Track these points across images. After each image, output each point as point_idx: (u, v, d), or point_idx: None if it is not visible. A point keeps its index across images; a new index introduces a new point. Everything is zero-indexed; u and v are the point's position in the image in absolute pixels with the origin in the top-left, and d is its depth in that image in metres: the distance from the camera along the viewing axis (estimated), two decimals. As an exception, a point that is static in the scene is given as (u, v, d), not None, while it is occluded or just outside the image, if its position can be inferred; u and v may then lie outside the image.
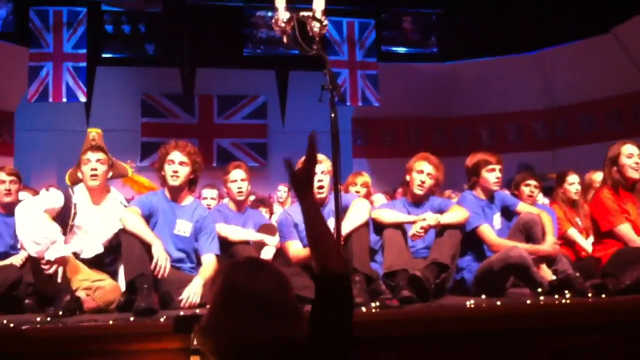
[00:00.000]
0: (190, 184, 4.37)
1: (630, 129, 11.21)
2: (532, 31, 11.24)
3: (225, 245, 4.48)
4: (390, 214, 4.37)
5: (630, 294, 3.90)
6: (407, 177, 4.67)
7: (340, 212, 3.70)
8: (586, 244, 5.46)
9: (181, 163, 4.23)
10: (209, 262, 4.18)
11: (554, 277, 4.30)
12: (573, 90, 11.97)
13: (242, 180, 4.95)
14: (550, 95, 12.45)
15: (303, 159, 2.14)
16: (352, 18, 11.44)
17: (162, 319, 3.28)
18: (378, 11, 11.41)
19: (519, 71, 12.10)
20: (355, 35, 11.44)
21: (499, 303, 3.61)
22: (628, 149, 4.47)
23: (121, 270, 4.12)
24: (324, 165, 4.22)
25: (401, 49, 11.70)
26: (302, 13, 3.59)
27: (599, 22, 10.87)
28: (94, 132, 4.36)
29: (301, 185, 2.10)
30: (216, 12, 11.16)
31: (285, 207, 7.00)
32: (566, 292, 3.97)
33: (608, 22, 10.99)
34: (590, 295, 3.90)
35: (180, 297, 3.94)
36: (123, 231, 3.98)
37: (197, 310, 3.67)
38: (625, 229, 4.36)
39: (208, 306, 1.92)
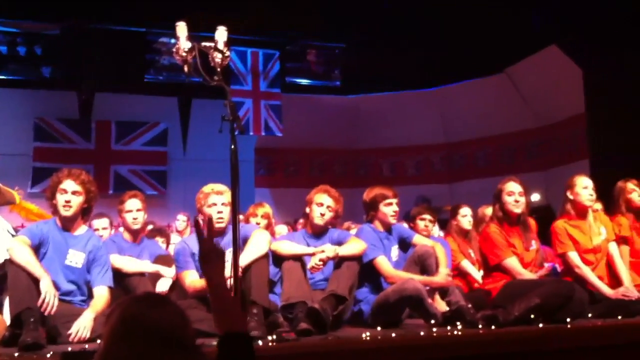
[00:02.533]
0: (84, 213, 4.22)
1: (522, 165, 11.79)
2: (431, 68, 11.63)
3: (119, 277, 4.33)
4: (289, 246, 4.38)
5: (518, 325, 4.07)
6: (307, 209, 4.71)
7: (240, 243, 3.68)
8: (478, 275, 5.64)
9: (74, 192, 4.08)
10: (101, 295, 4.03)
11: (447, 308, 4.42)
12: (469, 126, 12.44)
13: (137, 210, 4.83)
14: (448, 131, 12.88)
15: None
16: (256, 48, 11.48)
17: (48, 355, 3.13)
18: (282, 43, 11.52)
19: (418, 106, 12.46)
20: (260, 66, 11.48)
21: (394, 335, 3.67)
22: (509, 186, 4.70)
23: (6, 303, 3.92)
24: (224, 197, 4.19)
25: (305, 81, 11.82)
26: (203, 43, 3.57)
27: (493, 62, 11.39)
28: (-29, 158, 4.15)
29: (205, 262, 2.17)
30: (118, 37, 10.90)
31: (184, 236, 6.87)
32: (458, 323, 4.08)
33: (502, 63, 11.54)
34: (481, 326, 4.03)
35: (69, 332, 3.77)
36: (10, 262, 3.78)
37: (87, 346, 3.52)
38: (512, 262, 4.55)
39: (100, 341, 1.85)
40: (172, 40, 3.97)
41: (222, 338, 1.99)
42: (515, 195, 4.66)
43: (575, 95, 9.95)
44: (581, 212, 4.85)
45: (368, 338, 3.55)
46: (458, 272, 5.72)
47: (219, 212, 4.17)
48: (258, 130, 11.51)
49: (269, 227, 5.71)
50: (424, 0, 9.75)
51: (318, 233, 4.65)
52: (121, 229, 5.09)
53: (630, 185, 5.29)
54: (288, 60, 11.62)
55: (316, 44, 11.56)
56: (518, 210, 4.66)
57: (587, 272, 4.68)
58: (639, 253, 5.16)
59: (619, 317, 4.39)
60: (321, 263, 4.22)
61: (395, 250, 4.74)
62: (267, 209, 5.68)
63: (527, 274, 4.58)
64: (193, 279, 4.11)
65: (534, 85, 11.45)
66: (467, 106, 12.26)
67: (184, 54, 3.50)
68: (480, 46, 10.71)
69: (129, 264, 4.49)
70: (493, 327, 4.00)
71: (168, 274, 4.65)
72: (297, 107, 11.99)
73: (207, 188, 4.27)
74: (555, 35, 10.13)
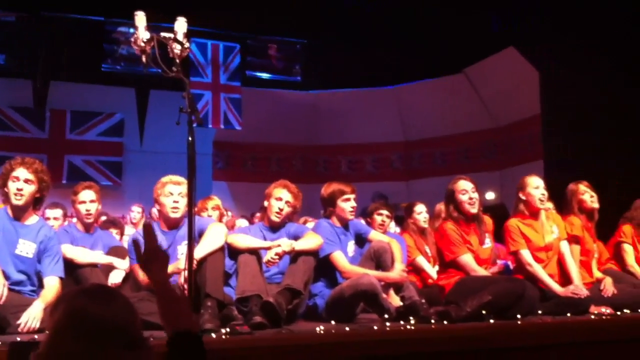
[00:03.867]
0: (36, 202, 4.13)
1: (478, 164, 11.96)
2: (391, 67, 11.72)
3: (71, 267, 4.26)
4: (245, 239, 4.36)
5: (470, 321, 4.12)
6: (266, 203, 4.70)
7: (196, 236, 3.66)
8: (433, 271, 5.71)
9: (26, 181, 3.99)
10: (51, 286, 3.96)
11: (401, 304, 4.46)
12: (427, 125, 12.57)
13: (91, 201, 4.75)
14: (406, 129, 12.99)
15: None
16: (217, 41, 11.41)
17: (-5, 345, 3.05)
18: (244, 36, 11.46)
19: (377, 104, 12.53)
20: (220, 58, 11.40)
21: (347, 329, 3.69)
22: (461, 185, 4.74)
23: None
24: (182, 187, 4.17)
25: (265, 75, 11.81)
26: (163, 34, 3.53)
27: (452, 62, 11.52)
28: None
29: (147, 268, 2.16)
30: (75, 25, 10.71)
31: (138, 228, 6.79)
32: (411, 318, 4.12)
33: (461, 63, 11.67)
34: (433, 321, 4.07)
35: (18, 322, 3.69)
36: (-42, 252, 3.69)
37: (36, 336, 3.45)
38: (467, 259, 4.61)
39: (47, 332, 1.81)
40: (131, 30, 3.92)
41: (171, 338, 1.96)
42: (469, 193, 4.71)
43: (531, 97, 10.13)
44: (533, 211, 4.94)
45: (322, 332, 3.55)
46: (413, 268, 5.79)
47: (174, 202, 4.16)
48: (217, 124, 11.44)
49: (221, 218, 5.70)
50: (385, -1, 9.82)
51: (275, 227, 4.64)
52: (74, 219, 5.01)
53: (582, 187, 5.41)
54: (249, 54, 11.59)
55: (277, 38, 11.55)
56: (474, 210, 4.72)
57: (538, 270, 4.76)
58: (588, 252, 5.29)
59: (568, 315, 4.48)
60: (277, 257, 4.21)
61: (351, 246, 4.76)
62: (216, 201, 5.67)
63: (481, 271, 4.64)
64: (147, 271, 4.06)
65: (491, 86, 11.62)
66: (425, 105, 12.37)
67: (143, 44, 3.46)
68: (440, 46, 10.83)
69: (82, 254, 4.42)
70: (445, 322, 4.05)
71: (121, 265, 4.59)
72: (257, 102, 11.95)
73: (166, 178, 4.26)
74: (513, 37, 10.30)
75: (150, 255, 2.16)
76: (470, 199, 4.69)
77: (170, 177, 4.26)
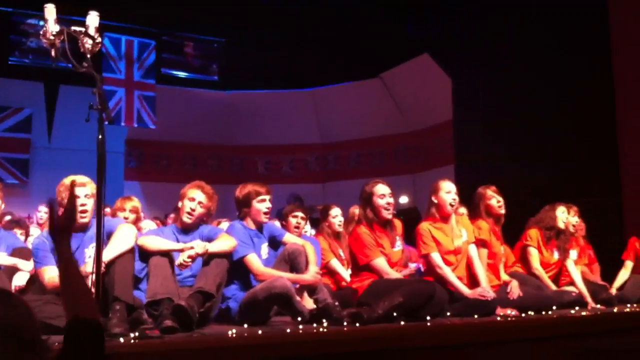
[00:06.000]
0: None
1: (392, 168, 12.17)
2: (308, 69, 11.76)
3: (-29, 270, 4.06)
4: (156, 241, 4.26)
5: (382, 323, 4.18)
6: (179, 204, 4.62)
7: (104, 238, 3.55)
8: (346, 274, 5.76)
9: None
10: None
11: (315, 306, 4.47)
12: (344, 128, 12.68)
13: (-7, 200, 4.54)
14: (323, 131, 13.06)
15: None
16: (131, 37, 11.11)
17: None
18: (159, 33, 11.22)
19: (295, 106, 12.55)
20: (134, 55, 11.11)
21: (260, 332, 3.67)
22: (380, 189, 4.82)
23: None
24: (87, 188, 4.03)
25: (182, 74, 11.59)
26: (73, 28, 3.42)
27: (369, 67, 11.68)
28: None
29: (60, 234, 2.10)
30: (-20, 15, 10.22)
31: (45, 229, 6.53)
32: (324, 320, 4.14)
33: (377, 68, 11.84)
34: (346, 323, 4.11)
35: None
36: None
37: None
38: (380, 262, 4.68)
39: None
40: (41, 23, 3.78)
41: (70, 322, 1.90)
42: (386, 197, 4.79)
43: (444, 103, 10.39)
44: (444, 215, 5.06)
45: (234, 335, 3.52)
46: (327, 271, 5.82)
47: (82, 205, 4.01)
48: (130, 121, 11.15)
49: (137, 221, 5.55)
50: (305, 1, 9.84)
51: (188, 229, 4.56)
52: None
53: (490, 192, 5.58)
54: (164, 51, 11.34)
55: (195, 36, 11.36)
56: (390, 215, 4.80)
57: (447, 272, 4.88)
58: (495, 255, 5.47)
59: (476, 316, 4.62)
60: (190, 259, 4.14)
61: (265, 248, 4.74)
62: (135, 202, 5.51)
63: (394, 274, 4.72)
64: (52, 275, 3.91)
65: (406, 91, 11.84)
66: (342, 108, 12.48)
67: (52, 38, 3.35)
68: (358, 50, 10.95)
69: (-18, 256, 4.22)
70: (357, 324, 4.09)
71: (26, 267, 4.41)
72: (172, 100, 11.72)
73: (68, 179, 4.07)
74: (428, 44, 10.54)
75: (69, 216, 2.11)
76: (388, 203, 4.78)
77: (73, 178, 4.09)
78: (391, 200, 4.81)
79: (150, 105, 11.18)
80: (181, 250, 4.16)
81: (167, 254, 4.18)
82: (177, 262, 4.16)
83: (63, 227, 2.10)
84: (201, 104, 12.14)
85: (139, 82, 11.16)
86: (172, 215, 7.50)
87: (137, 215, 5.51)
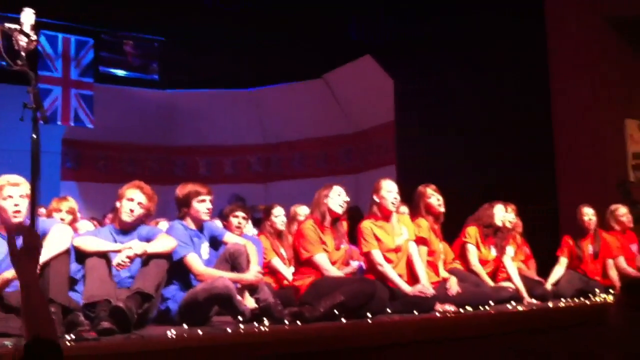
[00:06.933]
0: None
1: (335, 168, 12.24)
2: (251, 68, 11.70)
3: None
4: (93, 242, 4.17)
5: (323, 321, 4.20)
6: (118, 204, 4.53)
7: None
8: (288, 273, 5.76)
9: None
10: None
11: (256, 306, 4.45)
12: (287, 128, 12.66)
13: None
14: (266, 132, 13.02)
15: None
16: (69, 34, 10.83)
17: None
18: (98, 31, 10.96)
19: (237, 106, 12.46)
20: (72, 53, 10.83)
21: (200, 332, 3.63)
22: (337, 189, 4.89)
23: None
24: (21, 188, 3.91)
25: (120, 72, 11.34)
26: (7, 25, 3.32)
27: (311, 68, 11.68)
28: None
29: (21, 260, 2.07)
30: None
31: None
32: (265, 320, 4.12)
33: (320, 69, 11.87)
34: (287, 322, 4.10)
35: None
36: None
37: None
38: (321, 258, 4.71)
39: None
40: (-27, 20, 3.64)
41: (29, 343, 1.88)
42: (343, 195, 4.87)
43: (387, 104, 10.49)
44: (386, 214, 5.12)
45: (174, 337, 3.47)
46: (269, 270, 5.80)
47: (15, 205, 3.88)
48: (67, 120, 10.86)
49: (73, 222, 5.42)
50: (247, 0, 9.78)
51: (126, 229, 4.48)
52: None
53: (429, 190, 5.67)
54: (103, 50, 11.07)
55: (134, 34, 11.14)
56: (341, 211, 4.86)
57: (388, 270, 4.93)
58: (435, 253, 5.55)
59: (416, 313, 4.68)
60: (128, 260, 4.06)
61: (205, 248, 4.69)
62: (72, 203, 5.37)
63: (335, 271, 4.75)
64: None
65: (348, 92, 11.91)
66: (285, 108, 12.46)
67: (-15, 35, 3.23)
68: (301, 51, 10.95)
69: None
70: (299, 323, 4.09)
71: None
72: (111, 99, 11.48)
73: (2, 180, 3.94)
74: (370, 46, 10.62)
75: (29, 251, 2.08)
76: (343, 202, 4.85)
77: (6, 178, 3.95)
78: (347, 199, 4.88)
79: (88, 104, 10.91)
80: (119, 251, 4.08)
81: (104, 255, 4.10)
82: (114, 263, 4.08)
83: (25, 255, 2.07)
84: (141, 104, 11.94)
85: (76, 80, 10.88)
86: (109, 216, 7.35)
87: (74, 216, 5.38)
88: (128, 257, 4.05)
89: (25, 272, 2.05)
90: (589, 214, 6.58)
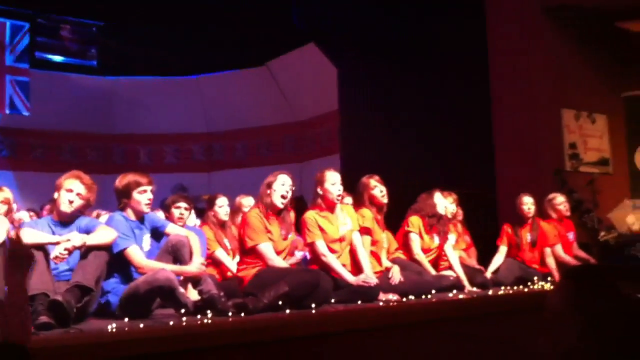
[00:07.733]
0: None
1: (279, 157, 12.20)
2: (193, 56, 11.53)
3: None
4: (31, 234, 4.04)
5: (268, 312, 4.18)
6: (56, 195, 4.40)
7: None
8: (232, 264, 5.72)
9: None
10: None
11: (199, 297, 4.41)
12: (230, 117, 12.56)
13: None
14: (209, 120, 12.89)
15: None
16: (3, 19, 10.47)
17: None
18: (34, 15, 10.62)
19: (179, 94, 12.30)
20: (6, 38, 10.47)
21: (141, 325, 3.57)
22: (282, 178, 4.85)
23: None
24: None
25: (58, 58, 11.02)
26: None
27: (255, 55, 11.60)
28: None
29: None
30: None
31: None
32: (209, 312, 4.09)
33: (263, 56, 11.79)
34: (231, 314, 4.08)
35: None
36: None
37: None
38: (266, 247, 4.69)
39: None
40: None
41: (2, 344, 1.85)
42: (286, 185, 4.83)
43: (331, 93, 10.50)
44: (330, 205, 5.13)
45: (114, 330, 3.41)
46: (212, 261, 5.76)
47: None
48: (2, 108, 10.52)
49: (9, 213, 5.27)
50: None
51: (65, 221, 4.36)
52: None
53: (373, 181, 5.71)
54: (39, 34, 10.74)
55: (71, 19, 10.83)
56: (282, 203, 4.82)
57: (332, 260, 4.95)
58: (378, 243, 5.60)
59: (359, 302, 4.71)
60: (66, 252, 3.96)
61: (147, 240, 4.60)
62: (7, 193, 5.22)
63: (279, 261, 4.73)
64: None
65: (292, 81, 11.89)
66: (228, 97, 12.36)
67: None
68: (244, 38, 10.85)
69: None
70: (243, 314, 4.07)
71: None
72: (48, 86, 11.16)
73: None
74: (314, 34, 10.60)
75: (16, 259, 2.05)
76: (287, 191, 4.82)
77: None
78: (292, 189, 4.85)
79: (24, 91, 10.58)
80: (57, 243, 3.98)
81: (42, 247, 3.98)
82: (52, 255, 3.97)
83: (11, 263, 2.05)
84: (79, 90, 11.64)
85: (11, 66, 10.53)
86: (47, 207, 7.17)
87: (9, 207, 5.24)
88: (67, 249, 3.94)
89: (12, 279, 2.01)
90: (528, 202, 6.74)
